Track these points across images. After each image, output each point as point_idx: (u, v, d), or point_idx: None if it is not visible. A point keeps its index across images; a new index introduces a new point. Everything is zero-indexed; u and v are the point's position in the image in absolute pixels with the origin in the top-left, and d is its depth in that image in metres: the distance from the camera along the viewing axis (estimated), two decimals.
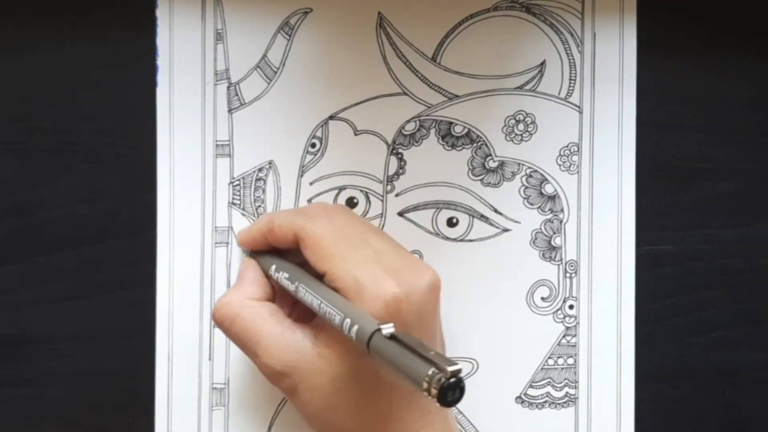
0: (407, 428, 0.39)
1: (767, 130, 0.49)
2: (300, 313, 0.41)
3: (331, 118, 0.46)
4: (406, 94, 0.46)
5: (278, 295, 0.43)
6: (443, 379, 0.32)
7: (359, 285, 0.38)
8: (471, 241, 0.47)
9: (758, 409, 0.49)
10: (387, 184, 0.46)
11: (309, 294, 0.39)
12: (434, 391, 0.32)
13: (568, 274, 0.47)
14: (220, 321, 0.41)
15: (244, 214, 0.46)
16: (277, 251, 0.43)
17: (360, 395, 0.38)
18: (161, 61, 0.45)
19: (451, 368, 0.32)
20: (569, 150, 0.47)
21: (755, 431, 0.49)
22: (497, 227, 0.47)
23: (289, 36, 0.46)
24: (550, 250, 0.47)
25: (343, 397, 0.38)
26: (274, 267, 0.42)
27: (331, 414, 0.39)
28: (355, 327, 0.36)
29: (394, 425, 0.38)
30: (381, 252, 0.40)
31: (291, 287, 0.40)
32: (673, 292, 0.48)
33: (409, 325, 0.38)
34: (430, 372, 0.33)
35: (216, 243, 0.46)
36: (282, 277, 0.41)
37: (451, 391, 0.32)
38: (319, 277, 0.40)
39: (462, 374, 0.33)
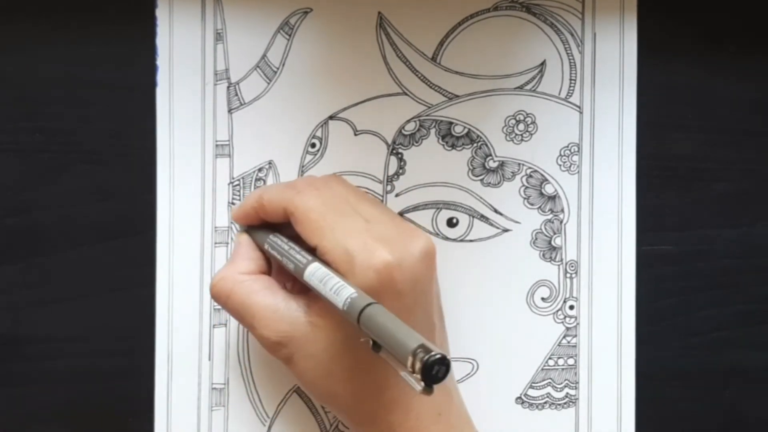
0: (402, 395, 0.39)
1: (767, 130, 0.49)
2: (299, 286, 0.41)
3: (331, 118, 0.46)
4: (406, 94, 0.46)
5: (276, 268, 0.43)
6: (428, 356, 0.32)
7: (350, 256, 0.38)
8: (471, 241, 0.47)
9: (758, 409, 0.49)
10: (387, 184, 0.46)
11: (300, 269, 0.39)
12: (418, 365, 0.32)
13: (568, 275, 0.47)
14: (216, 297, 0.41)
15: None
16: (271, 225, 0.43)
17: (354, 363, 0.39)
18: (161, 61, 0.45)
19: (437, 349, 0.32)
20: (569, 150, 0.47)
21: (755, 431, 0.49)
22: (497, 227, 0.47)
23: (289, 36, 0.46)
24: (550, 251, 0.47)
25: (337, 365, 0.39)
26: (267, 244, 0.42)
27: (327, 381, 0.39)
28: (346, 303, 0.36)
29: (389, 392, 0.39)
30: (373, 221, 0.40)
31: (283, 261, 0.41)
32: (673, 292, 0.48)
33: (403, 293, 0.38)
34: (415, 346, 0.32)
35: (216, 243, 0.46)
36: (275, 253, 0.41)
37: (437, 366, 0.32)
38: (312, 250, 0.40)
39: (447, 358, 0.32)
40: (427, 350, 0.32)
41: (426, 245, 0.40)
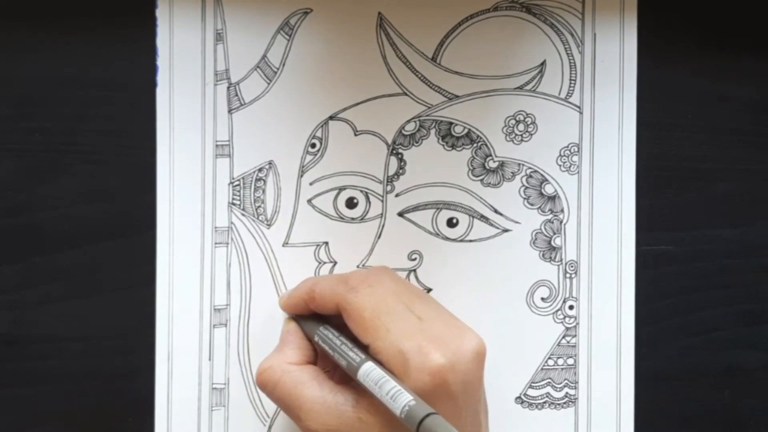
0: None
1: (767, 130, 0.49)
2: (343, 373, 0.41)
3: (331, 118, 0.46)
4: (406, 95, 0.46)
5: (321, 356, 0.43)
6: None
7: (404, 358, 0.38)
8: (471, 241, 0.47)
9: (758, 409, 0.49)
10: (387, 185, 0.46)
11: (353, 367, 0.39)
12: None
13: (568, 275, 0.47)
14: (262, 385, 0.41)
15: (244, 215, 0.46)
16: (320, 315, 0.43)
17: None
18: (161, 61, 0.45)
19: None
20: (569, 150, 0.47)
21: (755, 431, 0.49)
22: (497, 228, 0.47)
23: (289, 36, 0.46)
24: (550, 251, 0.47)
25: None
26: (317, 336, 0.42)
27: None
28: (404, 410, 0.36)
29: None
30: (425, 319, 0.40)
31: (334, 357, 0.41)
32: (673, 292, 0.48)
33: (455, 396, 0.38)
34: None
35: (216, 243, 0.46)
36: (325, 347, 0.41)
37: None
38: (363, 345, 0.40)
39: None
40: None
41: (477, 346, 0.40)
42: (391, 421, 0.38)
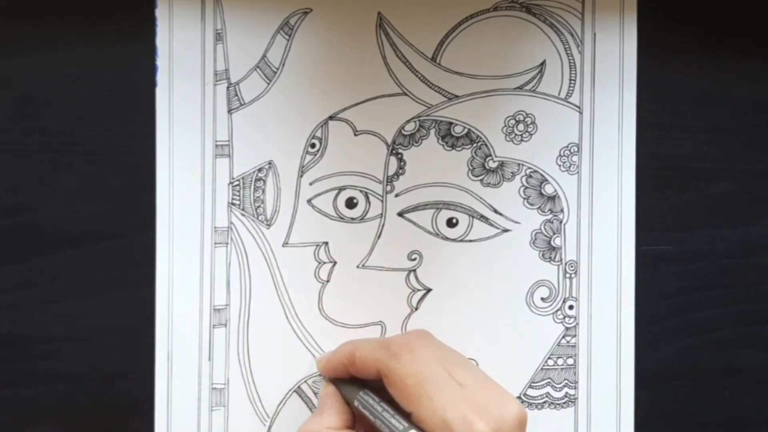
0: None
1: (767, 130, 0.49)
2: None
3: (330, 118, 0.46)
4: (406, 95, 0.46)
5: (359, 419, 0.43)
6: None
7: (449, 428, 0.38)
8: (471, 241, 0.47)
9: (758, 409, 0.49)
10: (387, 185, 0.46)
11: None
12: None
13: (567, 275, 0.47)
14: None
15: (243, 215, 0.46)
16: (359, 378, 0.43)
17: None
18: (161, 61, 0.45)
19: None
20: (569, 150, 0.47)
21: (755, 431, 0.49)
22: (497, 228, 0.47)
23: (289, 36, 0.46)
24: (549, 251, 0.47)
25: None
26: (357, 401, 0.42)
27: None
28: None
29: None
30: (467, 386, 0.40)
31: (375, 423, 0.41)
32: (673, 292, 0.48)
33: None
34: None
35: (215, 243, 0.46)
36: (366, 413, 0.42)
37: None
38: (405, 412, 0.40)
39: None
40: None
41: (519, 413, 0.40)
42: None
